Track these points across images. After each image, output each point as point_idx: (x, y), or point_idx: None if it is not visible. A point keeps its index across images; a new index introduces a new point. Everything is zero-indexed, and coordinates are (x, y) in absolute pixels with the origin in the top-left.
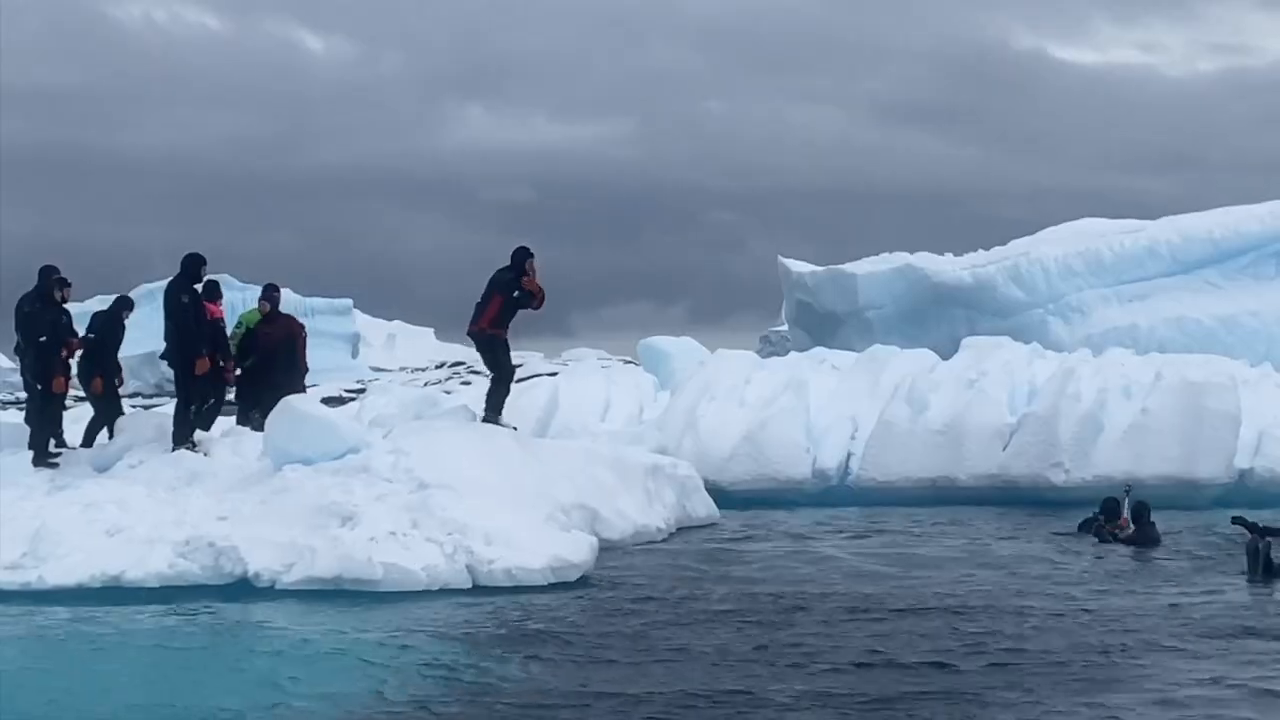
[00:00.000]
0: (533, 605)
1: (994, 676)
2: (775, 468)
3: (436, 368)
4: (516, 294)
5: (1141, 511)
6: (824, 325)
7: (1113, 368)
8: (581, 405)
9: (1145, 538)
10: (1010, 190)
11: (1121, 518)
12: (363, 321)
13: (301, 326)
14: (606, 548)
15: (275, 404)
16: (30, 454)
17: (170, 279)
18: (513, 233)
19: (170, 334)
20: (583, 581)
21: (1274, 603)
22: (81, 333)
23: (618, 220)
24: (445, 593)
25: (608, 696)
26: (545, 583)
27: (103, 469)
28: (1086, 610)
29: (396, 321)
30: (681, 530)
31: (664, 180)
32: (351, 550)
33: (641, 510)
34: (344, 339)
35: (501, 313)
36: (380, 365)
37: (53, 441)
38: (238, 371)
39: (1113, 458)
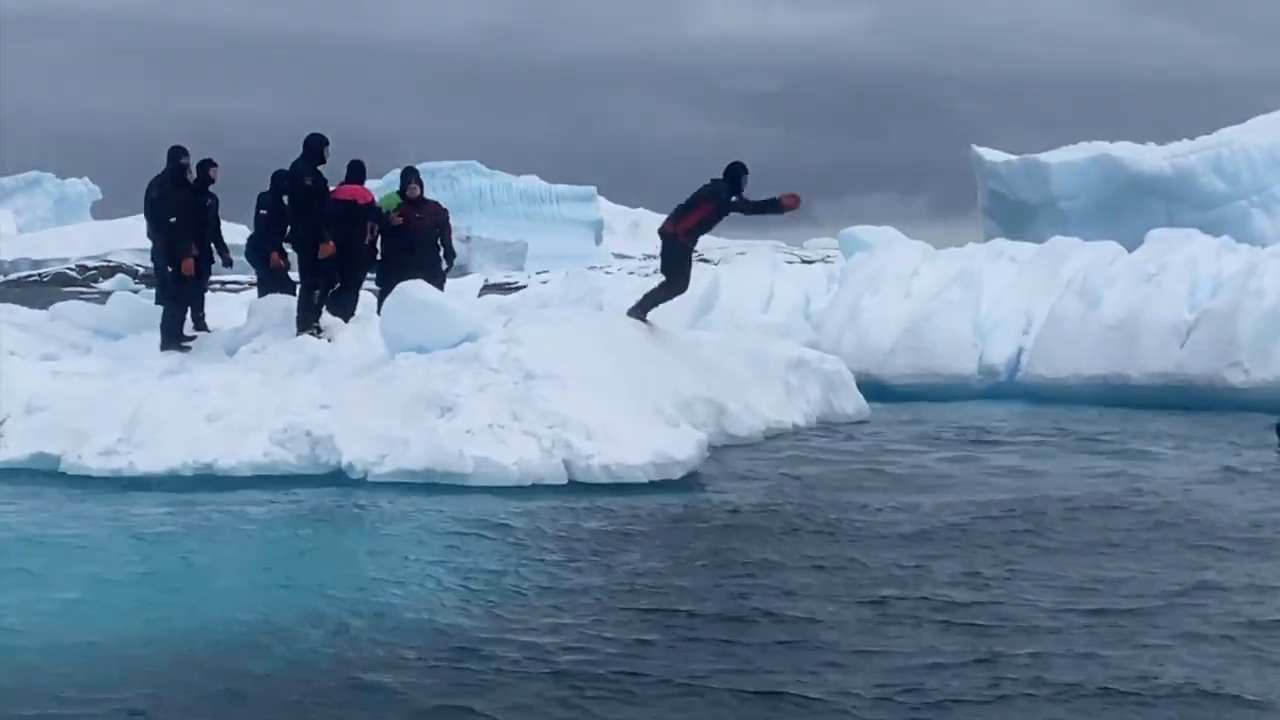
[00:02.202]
0: (621, 505)
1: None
2: (939, 362)
3: None
4: (734, 199)
5: None
6: (1017, 216)
7: None
8: (743, 295)
9: None
10: (1259, 78)
11: None
12: (607, 208)
13: (447, 212)
14: (732, 444)
15: None
16: (159, 338)
17: (293, 160)
18: (756, 122)
19: (294, 216)
20: (688, 480)
21: None
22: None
23: (861, 110)
24: (539, 489)
25: (654, 610)
26: (646, 480)
27: (234, 353)
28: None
29: (641, 209)
30: (825, 427)
31: (908, 69)
32: (444, 442)
33: (778, 406)
34: (588, 225)
35: (702, 223)
36: (623, 251)
37: (191, 325)
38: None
39: None
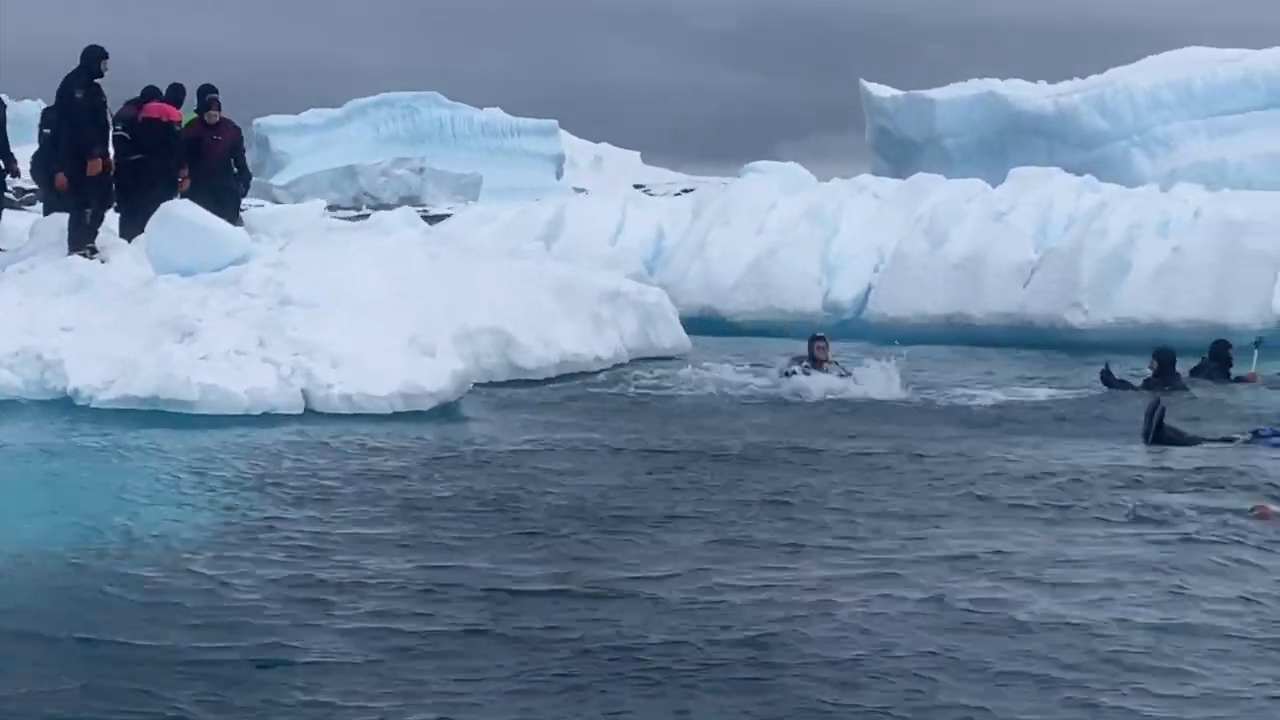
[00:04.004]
0: (352, 436)
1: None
2: (784, 298)
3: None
4: None
5: (1166, 360)
6: (904, 153)
7: (1150, 203)
8: (590, 227)
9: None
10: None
11: (1250, 372)
12: (570, 143)
13: (239, 132)
14: (519, 377)
15: (217, 212)
16: None
17: (68, 73)
18: (720, 62)
19: (66, 130)
20: (439, 412)
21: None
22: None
23: (826, 51)
24: (272, 418)
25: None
26: (391, 411)
27: None
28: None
29: (604, 144)
30: (637, 361)
31: (874, 10)
32: (175, 369)
33: (581, 338)
34: (548, 159)
35: None
36: (584, 186)
37: None
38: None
39: (1138, 299)
